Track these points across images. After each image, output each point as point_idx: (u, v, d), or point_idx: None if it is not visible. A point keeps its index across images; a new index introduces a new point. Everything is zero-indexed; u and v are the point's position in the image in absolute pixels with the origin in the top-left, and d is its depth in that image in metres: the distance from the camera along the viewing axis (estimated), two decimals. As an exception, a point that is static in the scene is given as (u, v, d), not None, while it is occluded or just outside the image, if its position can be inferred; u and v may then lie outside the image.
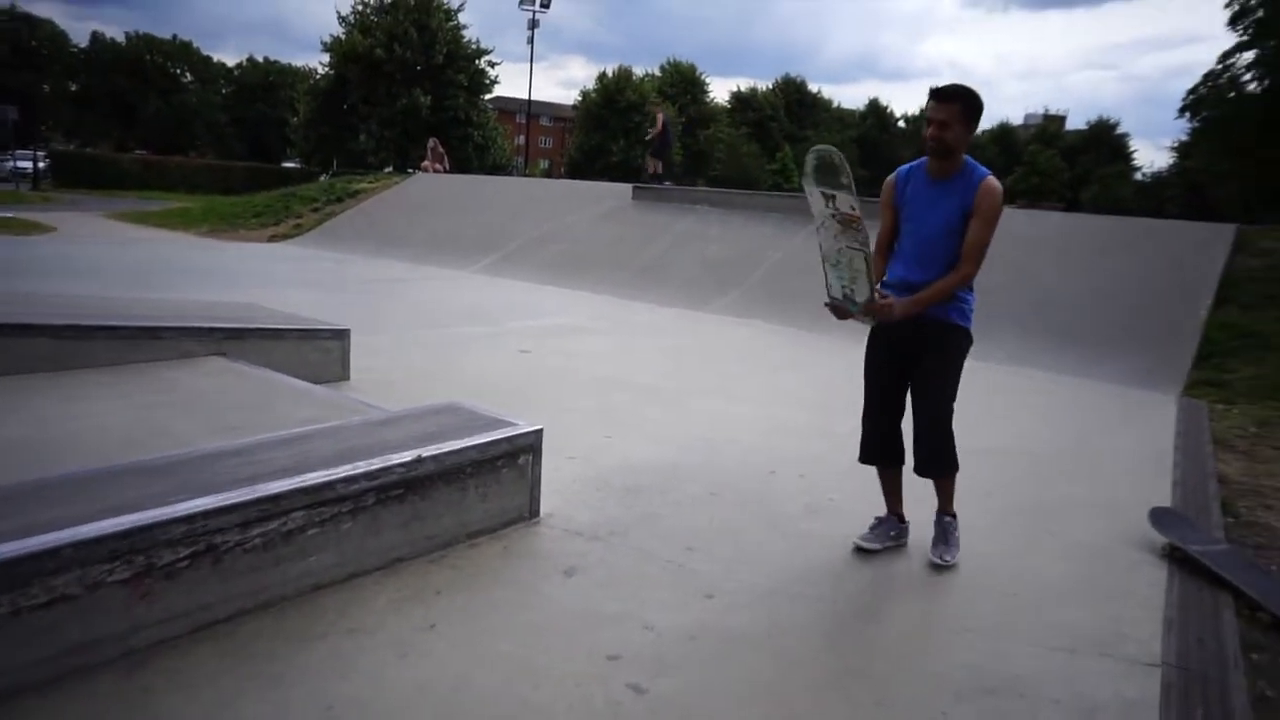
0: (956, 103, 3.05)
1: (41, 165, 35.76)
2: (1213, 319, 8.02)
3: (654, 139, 17.64)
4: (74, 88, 57.17)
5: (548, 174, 60.04)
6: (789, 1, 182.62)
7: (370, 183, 19.95)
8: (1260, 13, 26.53)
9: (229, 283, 9.88)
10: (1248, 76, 27.69)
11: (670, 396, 5.77)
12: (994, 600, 3.07)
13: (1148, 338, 7.86)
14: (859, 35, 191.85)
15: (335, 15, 41.49)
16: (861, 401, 3.43)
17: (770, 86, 68.94)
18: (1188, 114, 30.30)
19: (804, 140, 63.00)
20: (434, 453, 2.98)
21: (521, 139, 54.93)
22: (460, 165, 31.33)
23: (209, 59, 65.18)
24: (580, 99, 53.21)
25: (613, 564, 3.11)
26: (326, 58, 40.97)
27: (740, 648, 2.61)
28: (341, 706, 2.16)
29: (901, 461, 3.42)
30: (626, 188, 15.14)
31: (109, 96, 55.80)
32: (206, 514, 2.41)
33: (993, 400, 6.30)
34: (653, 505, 3.71)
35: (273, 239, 16.52)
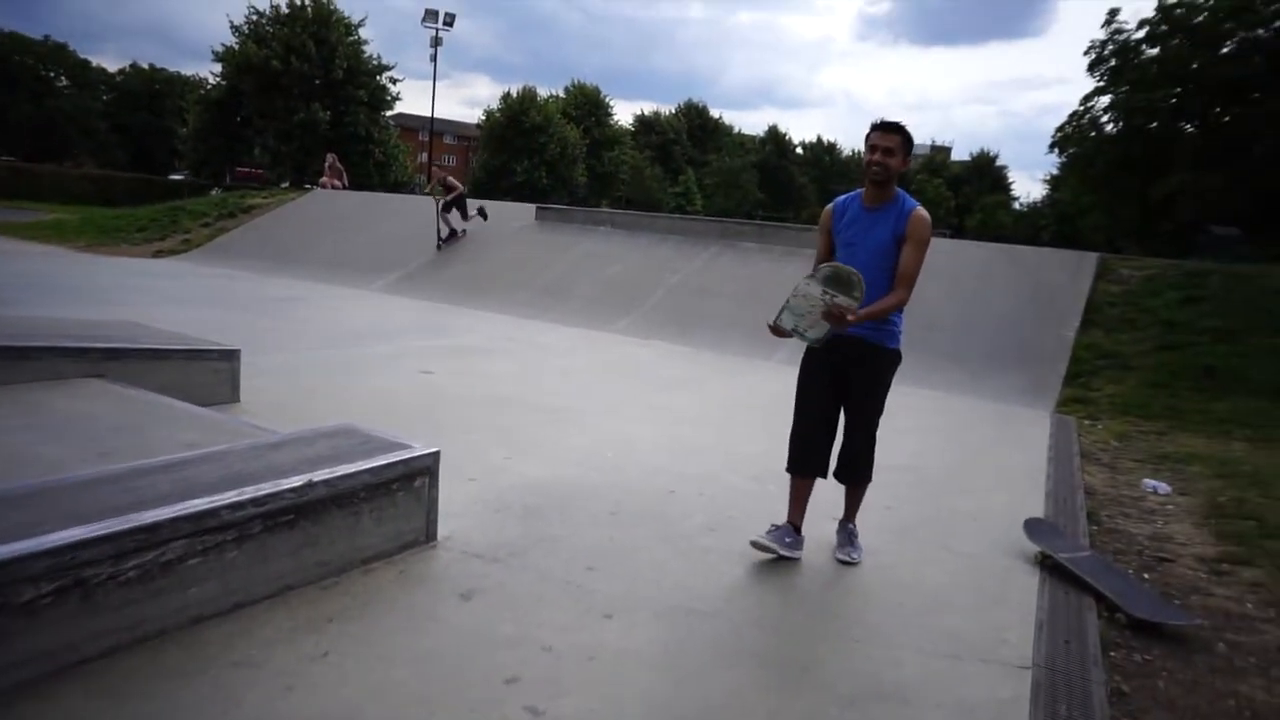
0: (898, 134, 3.35)
1: (-108, 171, 32.98)
2: (1079, 340, 8.59)
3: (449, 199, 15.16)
4: (-70, 86, 53.23)
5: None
6: (690, 28, 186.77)
7: (265, 198, 19.28)
8: (1113, 61, 28.77)
9: (109, 300, 9.36)
10: (1105, 118, 29.93)
11: (571, 417, 5.78)
12: (884, 610, 3.20)
13: (1025, 358, 8.35)
14: (758, 64, 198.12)
15: (228, 24, 39.94)
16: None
17: (673, 110, 70.18)
18: (1056, 150, 32.49)
19: (705, 164, 64.43)
20: (325, 477, 2.91)
21: (424, 156, 54.11)
22: (360, 182, 30.62)
23: (86, 63, 61.84)
24: (484, 118, 52.85)
25: (511, 586, 3.10)
26: (219, 67, 39.54)
27: (638, 667, 2.63)
28: (223, 743, 2.08)
29: (821, 474, 3.62)
30: (530, 208, 15.13)
31: (-29, 100, 52.18)
32: (74, 546, 2.29)
33: (890, 420, 6.55)
34: (552, 526, 3.71)
35: (158, 254, 15.74)
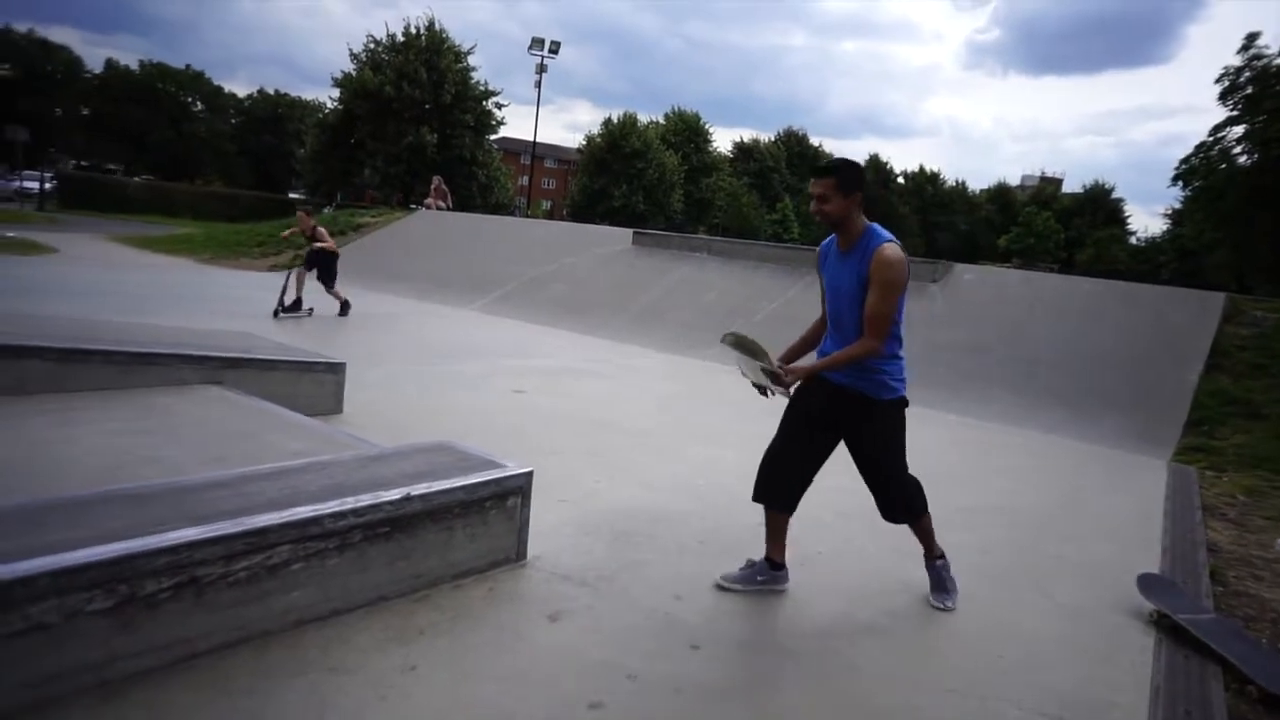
0: (830, 176, 3.12)
1: (48, 186, 36.01)
2: (1203, 385, 8.07)
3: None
4: (86, 112, 57.81)
5: (549, 215, 60.61)
6: (793, 55, 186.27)
7: (374, 217, 20.10)
8: (1249, 89, 27.25)
9: (227, 311, 9.90)
10: (1238, 149, 28.33)
11: (663, 442, 5.77)
12: (982, 661, 3.05)
13: (1139, 401, 7.90)
14: (861, 91, 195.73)
15: (347, 51, 41.95)
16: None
17: (773, 138, 70.01)
18: (1180, 183, 30.89)
19: (803, 192, 63.85)
20: (423, 491, 2.98)
21: (525, 179, 55.51)
22: (464, 204, 31.62)
23: (220, 89, 66.16)
24: (585, 143, 53.91)
25: (599, 610, 3.09)
26: (336, 92, 41.57)
27: (723, 701, 2.58)
28: (317, 747, 2.13)
29: (789, 510, 3.47)
30: (627, 232, 15.29)
31: (120, 122, 56.43)
32: (191, 545, 2.40)
33: (986, 459, 6.32)
34: (641, 552, 3.70)
35: (274, 268, 16.58)
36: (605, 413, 6.45)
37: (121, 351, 4.92)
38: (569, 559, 3.50)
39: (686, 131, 57.67)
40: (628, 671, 2.68)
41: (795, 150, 69.04)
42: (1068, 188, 77.28)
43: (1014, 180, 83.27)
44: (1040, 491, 5.55)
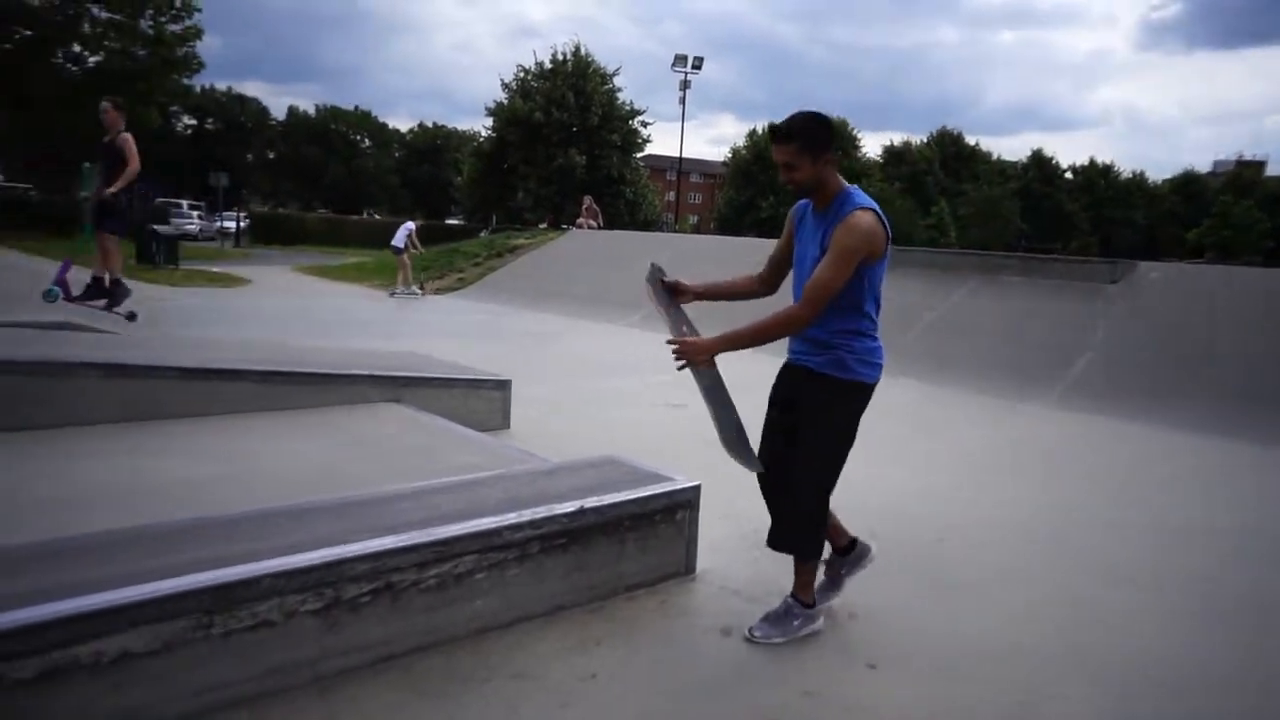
0: (793, 140, 2.76)
1: (243, 224, 39.84)
2: None
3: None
4: (271, 156, 63.55)
5: (695, 230, 60.98)
6: (943, 52, 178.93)
7: (528, 239, 20.90)
8: None
9: (398, 332, 10.56)
10: None
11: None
12: (1202, 699, 2.79)
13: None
14: (1021, 84, 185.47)
15: (499, 82, 44.08)
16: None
17: (924, 140, 67.54)
18: None
19: (960, 194, 61.16)
20: (596, 504, 3.05)
21: (671, 195, 56.16)
22: (612, 221, 32.35)
23: (384, 125, 70.96)
24: (730, 155, 54.00)
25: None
26: (490, 121, 43.65)
27: (905, 725, 2.50)
28: (507, 750, 2.22)
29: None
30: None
31: (299, 162, 61.66)
32: (387, 553, 2.57)
33: (1199, 475, 5.80)
34: (809, 567, 3.63)
35: (438, 291, 17.54)
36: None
37: (313, 373, 5.34)
38: (738, 573, 3.48)
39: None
40: (804, 689, 2.64)
41: (950, 151, 66.33)
42: (1272, 171, 70.08)
43: (1203, 167, 76.33)
44: (1249, 508, 5.02)
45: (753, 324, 2.81)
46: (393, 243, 17.07)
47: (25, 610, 1.97)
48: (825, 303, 2.74)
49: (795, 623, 2.95)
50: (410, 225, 17.47)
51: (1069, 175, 69.40)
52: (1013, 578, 3.65)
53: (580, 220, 21.29)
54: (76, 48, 31.04)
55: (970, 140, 68.68)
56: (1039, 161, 68.70)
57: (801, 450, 2.88)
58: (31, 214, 28.84)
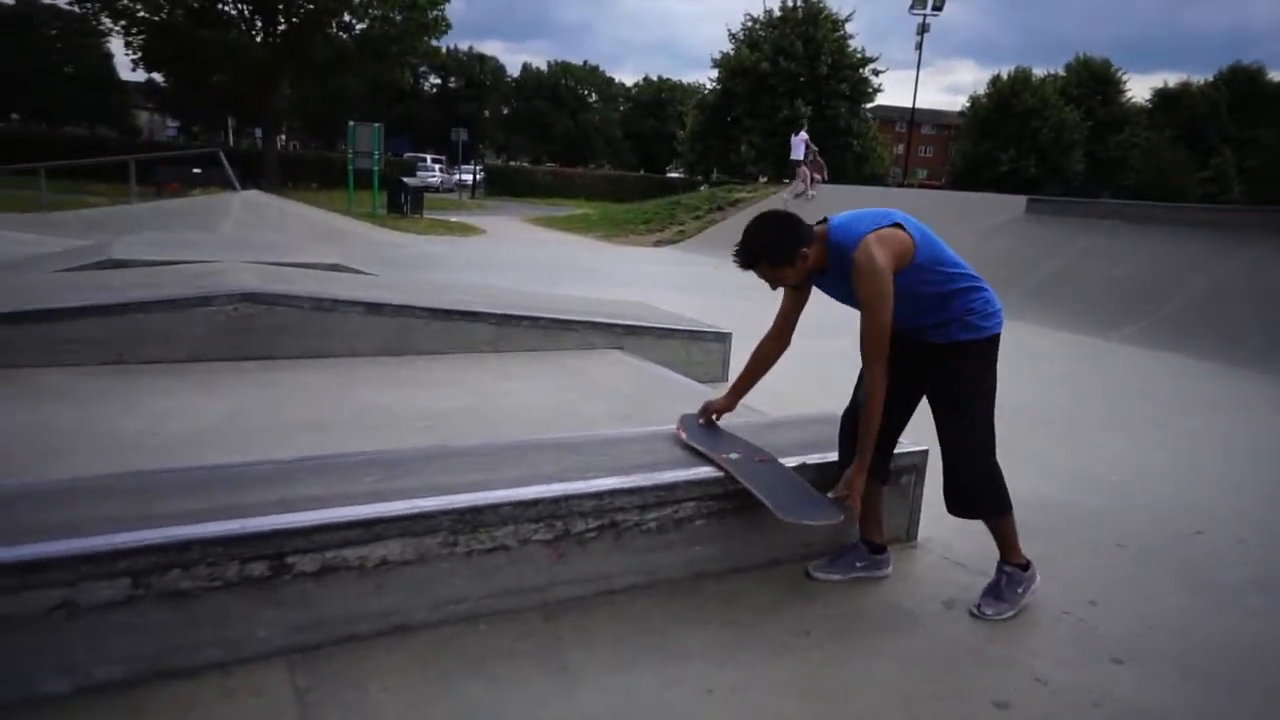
0: (757, 264, 2.70)
1: (479, 177, 42.63)
2: None
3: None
4: (505, 111, 67.12)
5: (924, 184, 57.67)
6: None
7: (749, 192, 20.75)
8: None
9: (620, 282, 10.89)
10: None
11: (1061, 430, 5.21)
12: None
13: None
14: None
15: (726, 33, 43.52)
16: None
17: (1209, 79, 58.78)
18: None
19: (1250, 142, 52.86)
20: (818, 461, 2.99)
21: (900, 148, 53.35)
22: (837, 175, 31.25)
23: (610, 80, 72.53)
24: (969, 104, 50.28)
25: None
26: (715, 73, 43.33)
27: (1153, 725, 2.27)
28: (721, 692, 2.25)
29: (881, 480, 2.96)
30: (1019, 199, 14.00)
31: (531, 117, 64.68)
32: (613, 493, 2.66)
33: None
34: (1043, 546, 3.34)
35: (658, 244, 17.89)
36: (999, 397, 5.97)
37: (545, 317, 5.63)
38: (961, 544, 3.29)
39: (1092, 82, 51.01)
40: (1035, 674, 2.45)
41: (1242, 91, 56.99)
42: None
43: None
44: None
45: (862, 438, 2.73)
46: (791, 156, 19.22)
47: (308, 513, 2.24)
48: (885, 346, 2.66)
49: (1019, 590, 2.83)
50: (804, 135, 19.29)
51: None
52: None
53: (802, 174, 20.74)
54: (346, 17, 34.31)
55: (1274, 76, 58.48)
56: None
57: (950, 419, 2.83)
58: (305, 168, 32.60)
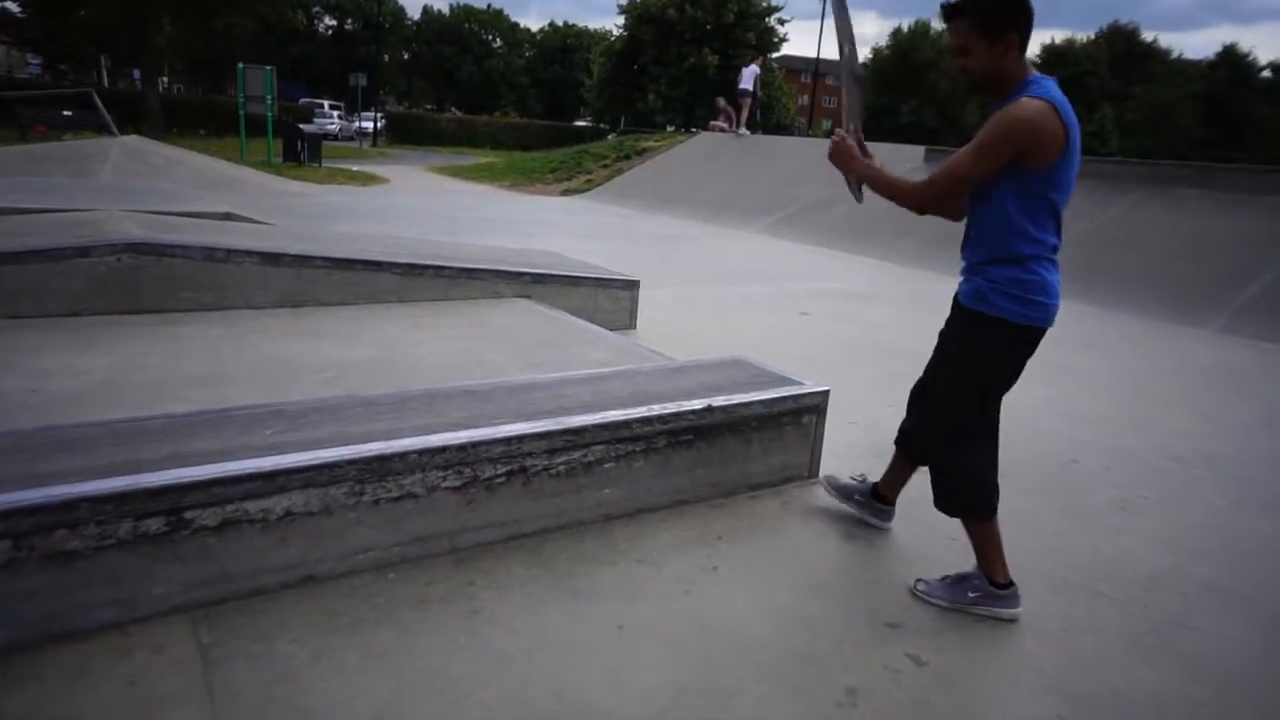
0: (964, 16, 2.25)
1: (380, 125, 41.02)
2: None
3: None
4: (406, 56, 64.59)
5: (829, 134, 58.45)
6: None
7: (656, 141, 20.64)
8: None
9: (527, 232, 10.74)
10: None
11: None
12: (1354, 639, 2.61)
13: None
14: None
15: (635, -23, 42.75)
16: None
17: (1090, 37, 61.46)
18: None
19: (1128, 99, 55.70)
20: (724, 403, 3.06)
21: (805, 99, 53.86)
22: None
23: (515, 25, 70.59)
24: (870, 56, 51.08)
25: (893, 532, 3.04)
26: (622, 20, 42.64)
27: (1029, 638, 2.46)
28: (631, 627, 2.32)
29: (908, 459, 2.93)
30: (918, 149, 14.37)
31: (432, 63, 62.45)
32: (522, 438, 2.67)
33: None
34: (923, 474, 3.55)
35: (566, 193, 17.67)
36: (894, 338, 6.21)
37: (451, 267, 5.53)
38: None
39: (985, 36, 52.39)
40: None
41: (1120, 49, 60.00)
42: None
43: None
44: None
45: (894, 176, 2.53)
46: (740, 85, 18.36)
47: (206, 467, 2.17)
48: (946, 190, 2.36)
49: (970, 596, 2.55)
50: (755, 68, 18.58)
51: (1268, 73, 61.72)
52: (1154, 506, 3.47)
53: (714, 123, 20.74)
54: (228, -49, 32.14)
55: (1147, 36, 61.77)
56: (1230, 59, 61.37)
57: (937, 385, 2.64)
58: (191, 113, 30.66)
